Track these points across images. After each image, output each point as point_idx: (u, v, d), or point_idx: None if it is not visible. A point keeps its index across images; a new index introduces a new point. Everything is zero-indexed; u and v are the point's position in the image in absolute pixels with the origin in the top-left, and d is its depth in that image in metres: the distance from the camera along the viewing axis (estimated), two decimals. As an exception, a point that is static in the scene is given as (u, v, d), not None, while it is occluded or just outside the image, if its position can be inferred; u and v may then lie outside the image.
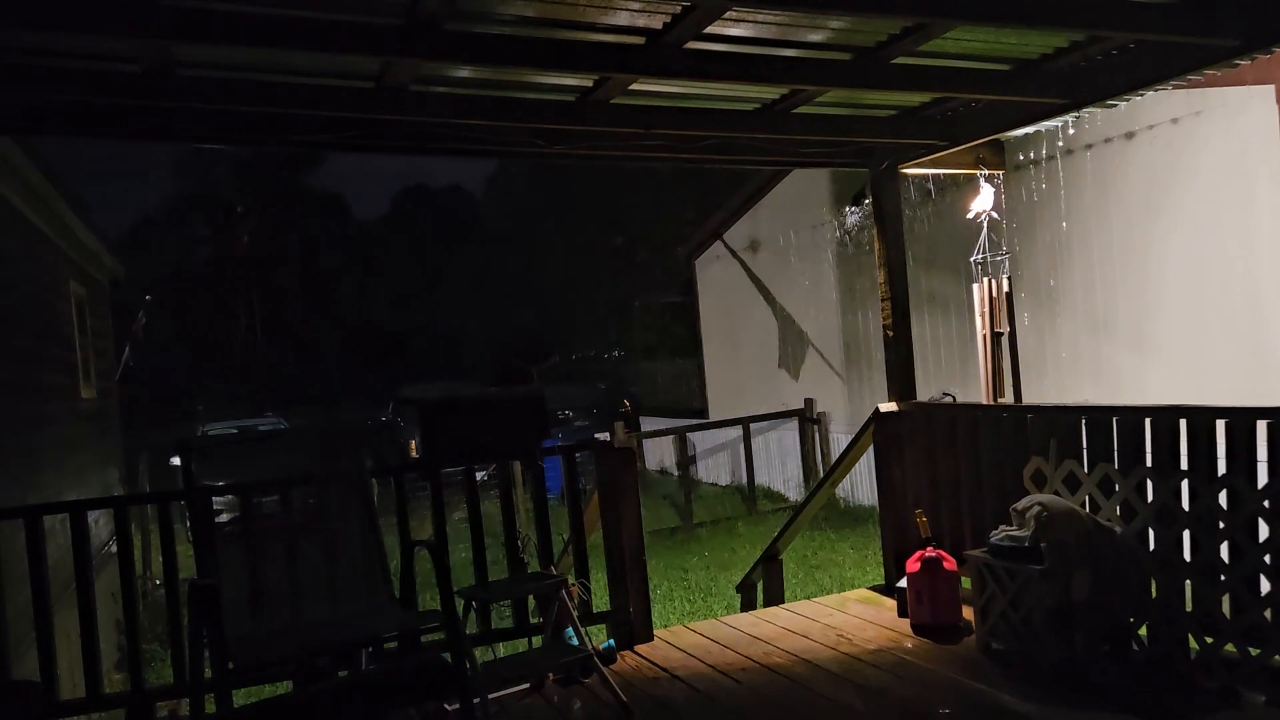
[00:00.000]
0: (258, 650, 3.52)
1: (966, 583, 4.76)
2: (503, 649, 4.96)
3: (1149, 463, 4.17)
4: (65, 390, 7.96)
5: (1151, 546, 4.15)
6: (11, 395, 5.90)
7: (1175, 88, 4.89)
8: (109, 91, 3.96)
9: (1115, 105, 5.00)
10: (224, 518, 4.10)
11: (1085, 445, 4.47)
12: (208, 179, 33.35)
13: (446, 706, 4.15)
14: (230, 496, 4.07)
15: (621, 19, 3.74)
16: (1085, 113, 5.05)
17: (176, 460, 3.90)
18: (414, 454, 14.02)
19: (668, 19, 3.74)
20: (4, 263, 6.34)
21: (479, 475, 5.01)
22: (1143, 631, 4.20)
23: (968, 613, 4.78)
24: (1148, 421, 4.19)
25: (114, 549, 4.74)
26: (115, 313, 11.54)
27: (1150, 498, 4.14)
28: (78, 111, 4.22)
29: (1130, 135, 7.93)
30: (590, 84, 4.43)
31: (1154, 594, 4.13)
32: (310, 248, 38.08)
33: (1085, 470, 4.42)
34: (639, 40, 3.93)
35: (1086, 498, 4.41)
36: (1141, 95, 4.85)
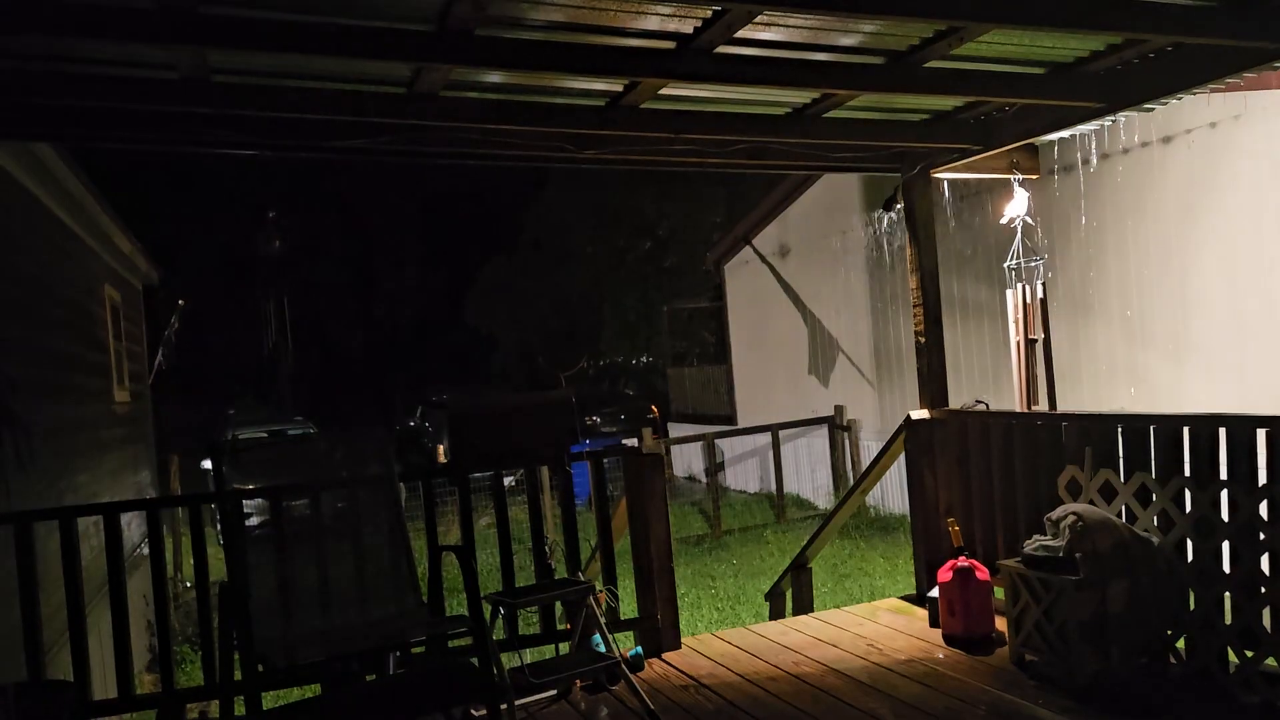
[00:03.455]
0: (287, 653, 3.53)
1: (999, 593, 4.70)
2: (530, 655, 4.95)
3: (1187, 472, 4.10)
4: (99, 393, 8.06)
5: (1190, 558, 4.08)
6: (47, 398, 5.97)
7: (1213, 91, 4.82)
8: (147, 98, 4.01)
9: (1152, 109, 4.93)
10: (254, 521, 4.13)
11: (1121, 454, 4.40)
12: (241, 183, 33.77)
13: (474, 711, 4.15)
14: (260, 500, 4.09)
15: (652, 23, 3.74)
16: (1121, 117, 4.98)
17: (208, 463, 3.93)
18: (442, 459, 14.07)
19: (698, 23, 3.73)
20: (42, 268, 6.43)
21: (507, 481, 5.01)
22: (1180, 644, 4.13)
23: (1000, 624, 4.72)
24: (1186, 430, 4.12)
25: (146, 551, 4.78)
26: (149, 317, 11.67)
27: (1189, 508, 4.06)
28: (116, 118, 4.26)
29: (1167, 140, 7.83)
30: (620, 89, 4.43)
31: (1192, 606, 4.05)
32: (340, 252, 38.44)
33: (1122, 480, 4.35)
34: (669, 45, 3.93)
35: (1123, 507, 4.34)
36: (1179, 99, 4.78)
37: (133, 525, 7.90)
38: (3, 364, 3.76)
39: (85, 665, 4.14)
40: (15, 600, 4.02)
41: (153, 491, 10.76)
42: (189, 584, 10.36)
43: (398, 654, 3.94)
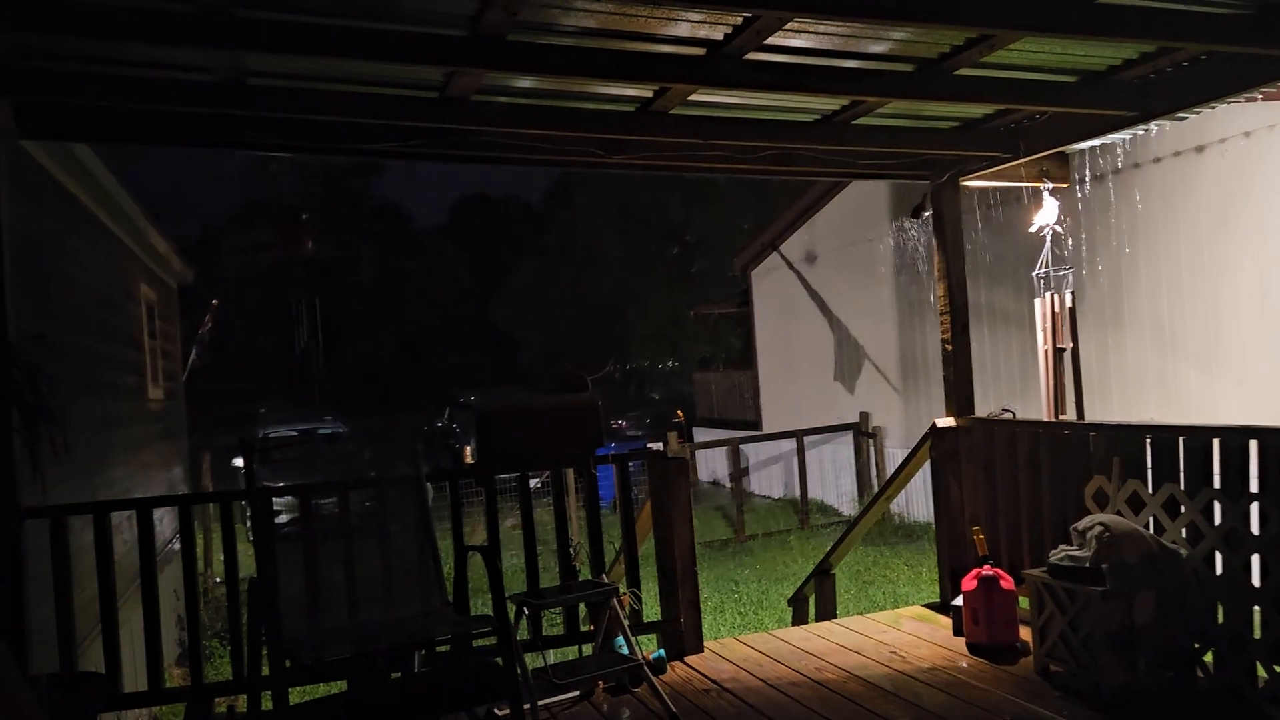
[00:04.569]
0: (314, 649, 3.57)
1: (1024, 603, 4.68)
2: (553, 656, 4.98)
3: (1217, 484, 4.06)
4: (134, 390, 8.17)
5: (1219, 571, 4.04)
6: (84, 394, 6.07)
7: (1248, 101, 4.78)
8: (184, 101, 4.09)
9: (1185, 118, 4.89)
10: (284, 518, 4.18)
11: (1150, 465, 4.36)
12: (274, 186, 34.15)
13: (497, 711, 4.18)
14: (290, 498, 4.14)
15: (682, 30, 3.76)
16: (1154, 126, 4.95)
17: (239, 461, 3.99)
18: (469, 460, 14.14)
19: (729, 30, 3.75)
20: (80, 267, 6.54)
21: (533, 482, 5.04)
22: (1208, 658, 4.08)
23: (1025, 633, 4.69)
24: (1216, 442, 4.08)
25: (177, 546, 4.85)
26: (183, 316, 11.82)
27: (1218, 520, 4.02)
28: (154, 120, 4.34)
29: (1200, 149, 7.75)
30: (650, 94, 4.45)
31: (1221, 620, 4.01)
32: (371, 255, 38.75)
33: (1150, 491, 4.32)
34: (699, 51, 3.95)
35: (1151, 519, 4.30)
36: (1213, 108, 4.74)
37: (165, 521, 8.01)
38: (42, 360, 3.83)
39: (116, 658, 4.21)
40: (49, 593, 4.10)
41: (185, 488, 10.89)
42: (219, 580, 10.48)
43: (423, 652, 3.97)
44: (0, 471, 3.70)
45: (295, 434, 17.83)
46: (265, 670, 3.61)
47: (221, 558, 4.47)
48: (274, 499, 4.00)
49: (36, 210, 5.32)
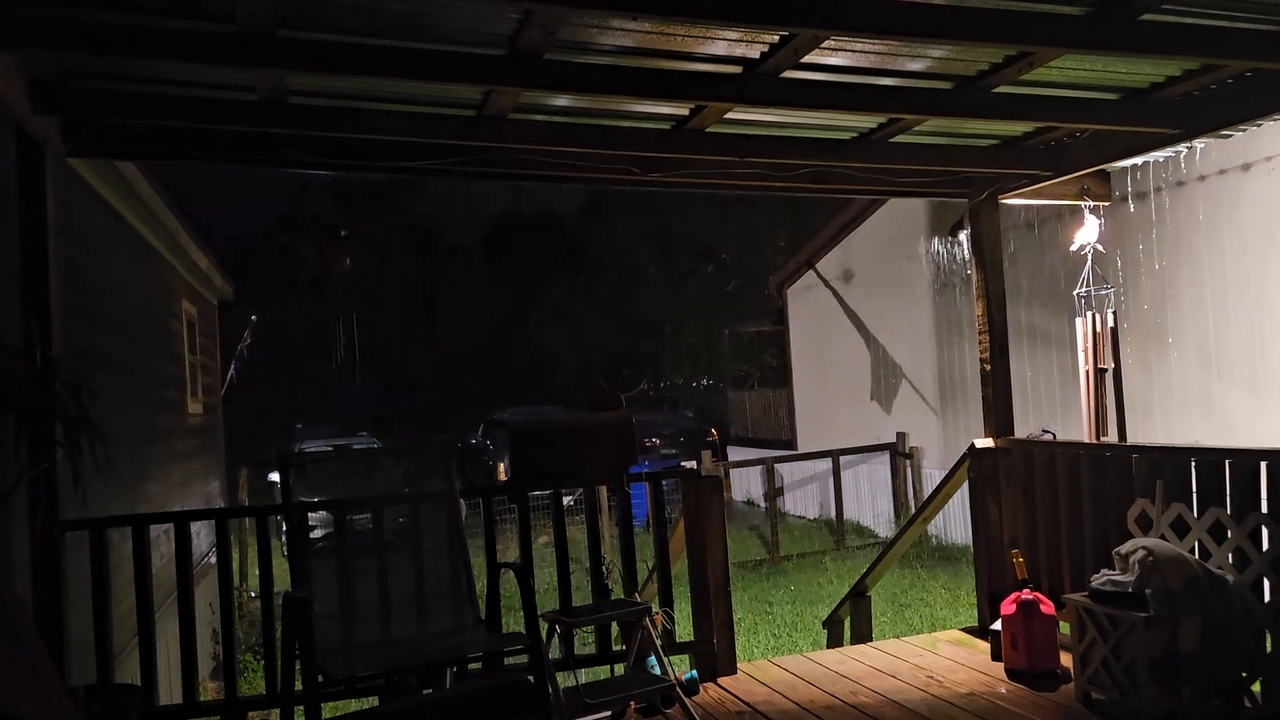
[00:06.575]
0: (347, 664, 3.58)
1: (1065, 628, 4.59)
2: (585, 675, 4.95)
3: (1265, 509, 3.96)
4: (174, 405, 8.28)
5: (1267, 597, 3.94)
6: (125, 408, 6.15)
7: (1296, 117, 4.69)
8: (227, 119, 4.15)
9: (1230, 136, 4.82)
10: (318, 533, 4.20)
11: (1195, 488, 4.27)
12: (313, 203, 34.64)
13: (528, 729, 4.15)
14: (325, 513, 4.16)
15: (719, 48, 3.76)
16: (1198, 143, 4.88)
17: (275, 476, 4.02)
18: (502, 476, 14.18)
19: (765, 48, 3.75)
20: (124, 282, 6.65)
21: (565, 500, 5.03)
22: (1256, 688, 3.98)
23: (1065, 659, 4.60)
24: (1264, 465, 3.99)
25: (213, 560, 4.89)
26: (223, 331, 11.97)
27: (1265, 546, 3.93)
28: (197, 138, 4.42)
29: (1246, 167, 7.62)
30: (686, 112, 4.45)
31: (1269, 648, 3.91)
32: (408, 271, 39.14)
33: (1195, 515, 4.23)
34: (736, 69, 3.95)
35: (1196, 544, 4.21)
36: (1258, 126, 4.67)
37: (201, 534, 8.09)
38: (85, 373, 3.88)
39: (152, 670, 4.24)
40: (88, 605, 4.14)
41: (221, 502, 10.99)
42: (253, 594, 10.55)
43: (454, 669, 3.97)
44: (42, 484, 3.76)
45: (330, 449, 17.96)
46: (298, 685, 3.63)
47: (256, 572, 4.50)
48: (309, 514, 4.02)
49: (82, 226, 5.42)
